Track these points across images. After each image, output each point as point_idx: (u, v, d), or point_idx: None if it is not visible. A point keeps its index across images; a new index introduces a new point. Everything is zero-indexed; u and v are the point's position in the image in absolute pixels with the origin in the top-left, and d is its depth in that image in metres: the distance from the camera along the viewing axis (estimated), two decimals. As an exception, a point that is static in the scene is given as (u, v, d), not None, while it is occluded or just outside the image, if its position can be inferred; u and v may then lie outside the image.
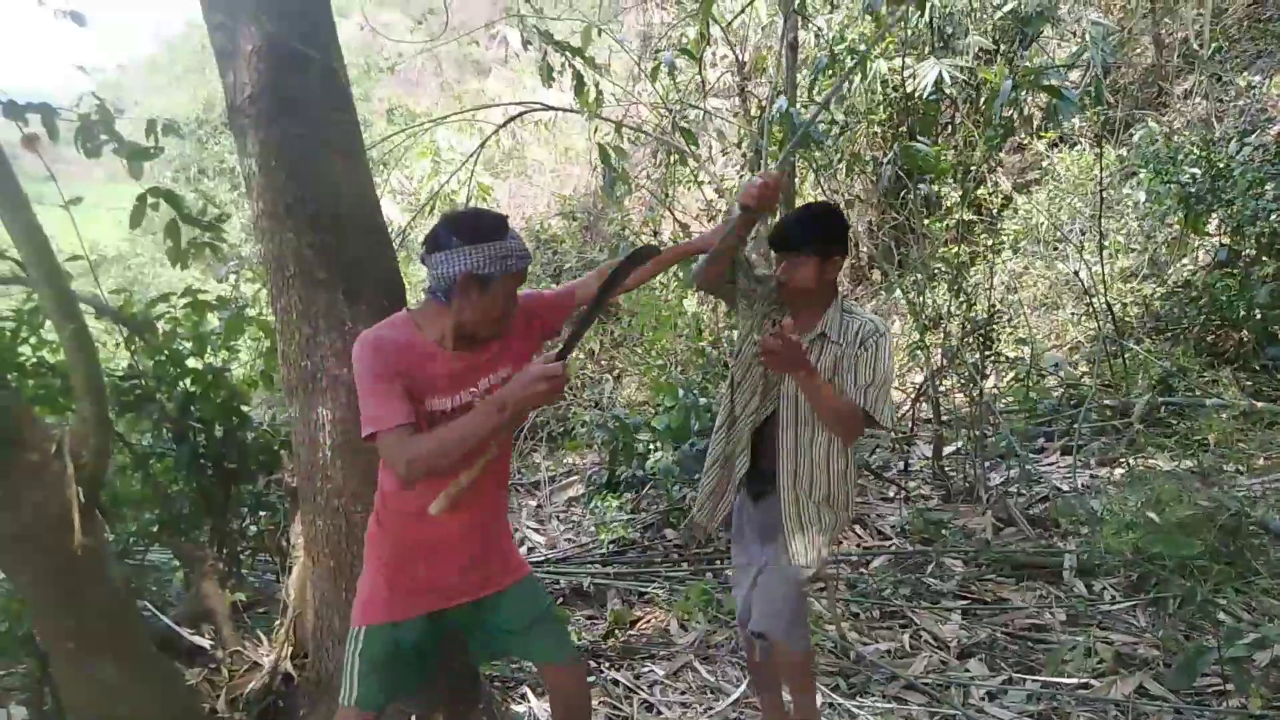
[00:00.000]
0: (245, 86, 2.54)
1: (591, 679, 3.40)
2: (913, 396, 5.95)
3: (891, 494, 5.32)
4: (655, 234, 8.85)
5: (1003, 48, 9.67)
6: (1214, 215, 6.44)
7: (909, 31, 8.47)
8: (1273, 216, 5.84)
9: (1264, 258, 5.96)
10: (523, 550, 5.28)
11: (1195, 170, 6.20)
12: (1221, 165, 6.17)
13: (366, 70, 22.41)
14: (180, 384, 4.04)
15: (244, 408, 4.02)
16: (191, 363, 4.00)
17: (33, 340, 3.66)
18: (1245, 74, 8.97)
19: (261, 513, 4.22)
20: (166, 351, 3.88)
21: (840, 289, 2.54)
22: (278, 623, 2.96)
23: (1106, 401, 5.71)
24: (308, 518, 2.65)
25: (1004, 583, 4.02)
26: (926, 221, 6.79)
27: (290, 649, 2.71)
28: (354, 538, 2.58)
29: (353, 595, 2.60)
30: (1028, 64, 9.12)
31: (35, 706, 2.88)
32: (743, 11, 7.33)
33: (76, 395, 2.38)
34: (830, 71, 6.31)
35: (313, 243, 2.53)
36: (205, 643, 2.79)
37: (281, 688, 2.68)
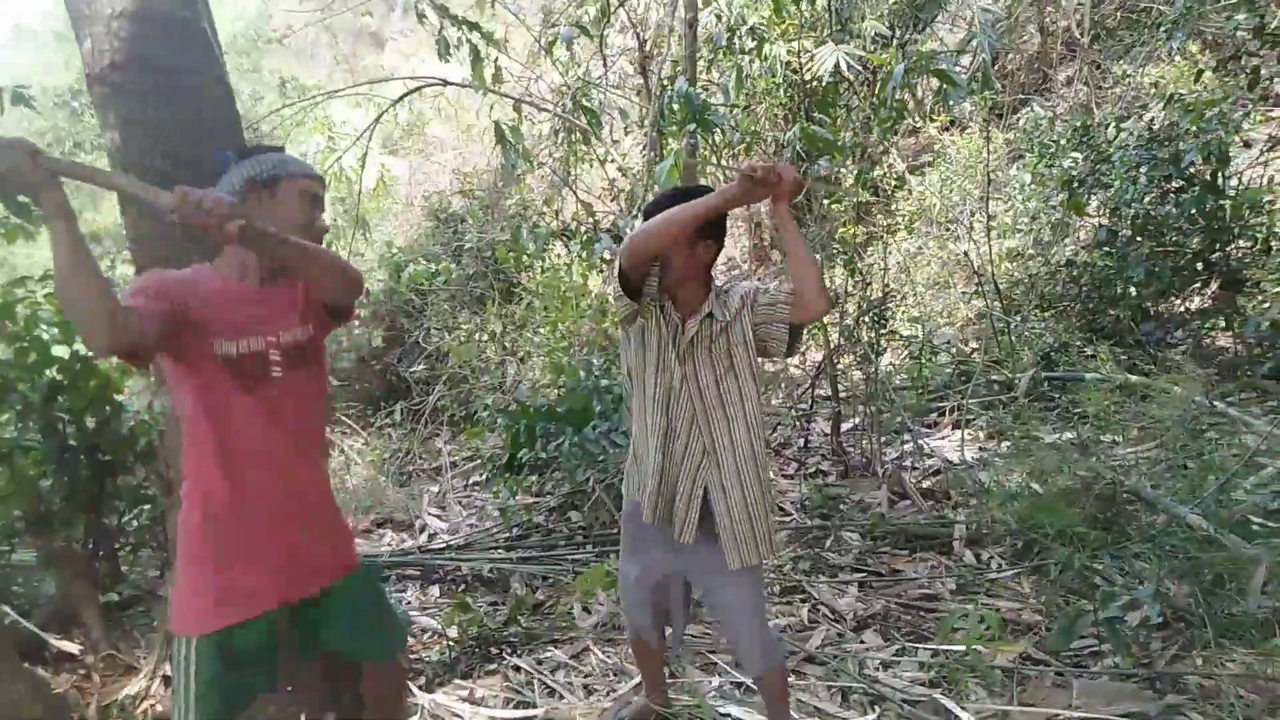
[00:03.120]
0: (104, 54, 2.36)
1: (492, 666, 3.35)
2: (812, 375, 6.06)
3: (792, 471, 5.41)
4: (557, 213, 8.76)
5: (898, 33, 9.92)
6: (1094, 197, 6.75)
7: (808, 15, 8.59)
8: (1147, 199, 6.15)
9: (1139, 238, 6.28)
10: (423, 537, 5.20)
11: (1076, 154, 6.47)
12: (1101, 149, 6.46)
13: (255, 40, 21.42)
14: (45, 373, 3.78)
15: (118, 396, 3.79)
16: (58, 350, 3.74)
17: None
18: (1121, 62, 9.43)
19: (143, 506, 4.01)
20: (27, 339, 3.62)
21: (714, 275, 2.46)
22: (158, 623, 2.80)
23: (994, 377, 5.94)
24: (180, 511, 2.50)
25: (899, 554, 4.14)
26: (826, 202, 6.90)
27: (170, 651, 2.56)
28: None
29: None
30: (920, 49, 9.38)
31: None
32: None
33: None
34: (728, 50, 6.31)
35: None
36: (74, 648, 2.61)
37: (161, 690, 2.53)
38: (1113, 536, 3.62)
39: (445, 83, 6.05)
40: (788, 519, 4.70)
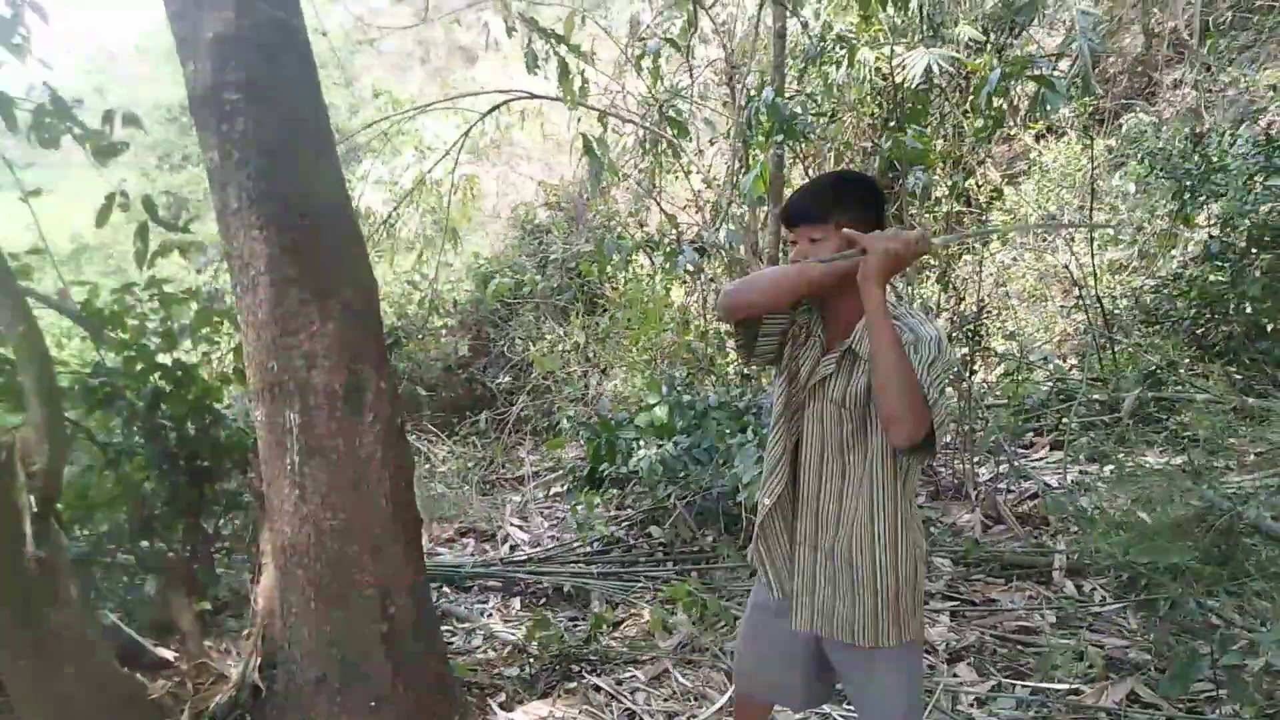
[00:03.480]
0: (207, 75, 2.43)
1: (572, 685, 3.32)
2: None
3: (879, 490, 5.24)
4: (642, 225, 8.76)
5: (992, 37, 9.61)
6: (1205, 208, 6.38)
7: (899, 20, 8.39)
8: (1264, 209, 5.78)
9: (1254, 250, 5.91)
10: (505, 548, 5.22)
11: (1189, 165, 6.14)
12: (1214, 157, 6.10)
13: (354, 51, 22.15)
14: (149, 380, 3.93)
15: (217, 404, 3.91)
16: (161, 358, 3.88)
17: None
18: (1233, 66, 8.92)
19: (236, 512, 4.13)
20: (135, 347, 3.76)
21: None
22: (246, 633, 2.86)
23: (1095, 396, 5.65)
24: (275, 526, 2.55)
25: (993, 583, 3.96)
26: (914, 212, 6.72)
27: (258, 660, 2.62)
28: (323, 548, 2.49)
29: (322, 606, 2.52)
30: (1016, 54, 9.06)
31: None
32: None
33: (28, 400, 2.27)
34: (819, 61, 6.20)
35: (279, 240, 2.42)
36: (170, 654, 2.69)
37: (249, 701, 2.58)
38: (1229, 572, 3.38)
39: (532, 95, 6.11)
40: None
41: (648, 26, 8.37)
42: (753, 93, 6.22)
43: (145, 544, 3.84)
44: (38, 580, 2.22)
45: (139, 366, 3.84)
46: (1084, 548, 3.86)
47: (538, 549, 5.09)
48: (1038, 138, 8.96)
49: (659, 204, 7.59)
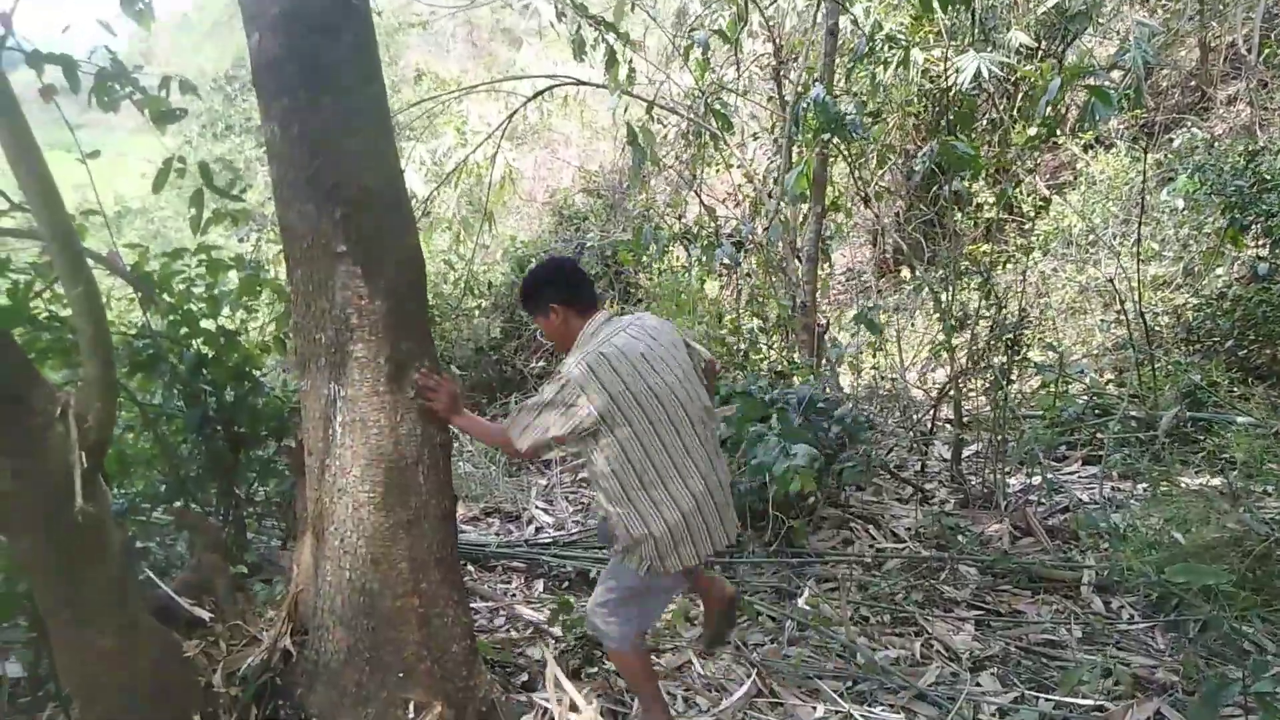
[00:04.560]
0: (270, 50, 2.45)
1: (593, 670, 3.35)
2: (935, 396, 5.84)
3: (907, 494, 5.23)
4: (680, 216, 8.74)
5: (1044, 44, 9.46)
6: (1254, 227, 6.27)
7: (950, 21, 8.28)
8: (1316, 232, 5.68)
9: (1303, 273, 5.81)
10: (530, 529, 5.26)
11: (1240, 182, 6.03)
12: (1268, 177, 5.99)
13: (397, 29, 22.25)
14: (193, 345, 3.99)
15: (256, 372, 3.97)
16: (205, 324, 3.94)
17: (46, 294, 3.61)
18: (1294, 82, 8.74)
19: (270, 479, 4.19)
20: (180, 311, 3.82)
21: (590, 327, 2.72)
22: (279, 597, 2.91)
23: (1132, 412, 5.58)
24: (314, 495, 2.59)
25: (1020, 594, 3.94)
26: (958, 218, 6.65)
27: (290, 626, 2.66)
28: (360, 519, 2.52)
29: (356, 577, 2.56)
30: (1068, 62, 8.92)
31: (31, 665, 2.85)
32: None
33: (83, 358, 2.31)
34: (868, 60, 6.15)
35: (333, 215, 2.45)
36: (205, 614, 2.74)
37: (280, 665, 2.63)
38: (1264, 598, 3.34)
39: (580, 83, 6.11)
40: (901, 545, 4.54)
41: (696, 17, 8.34)
42: (800, 89, 6.18)
43: (179, 506, 3.91)
44: (85, 532, 2.26)
45: (183, 330, 3.91)
46: (1114, 564, 3.83)
47: (561, 532, 5.11)
48: (1086, 148, 8.83)
49: (699, 196, 7.56)
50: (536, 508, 5.53)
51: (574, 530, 5.08)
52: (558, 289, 2.75)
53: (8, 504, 2.18)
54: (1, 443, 2.10)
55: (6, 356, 2.17)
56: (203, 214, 3.45)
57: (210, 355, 3.90)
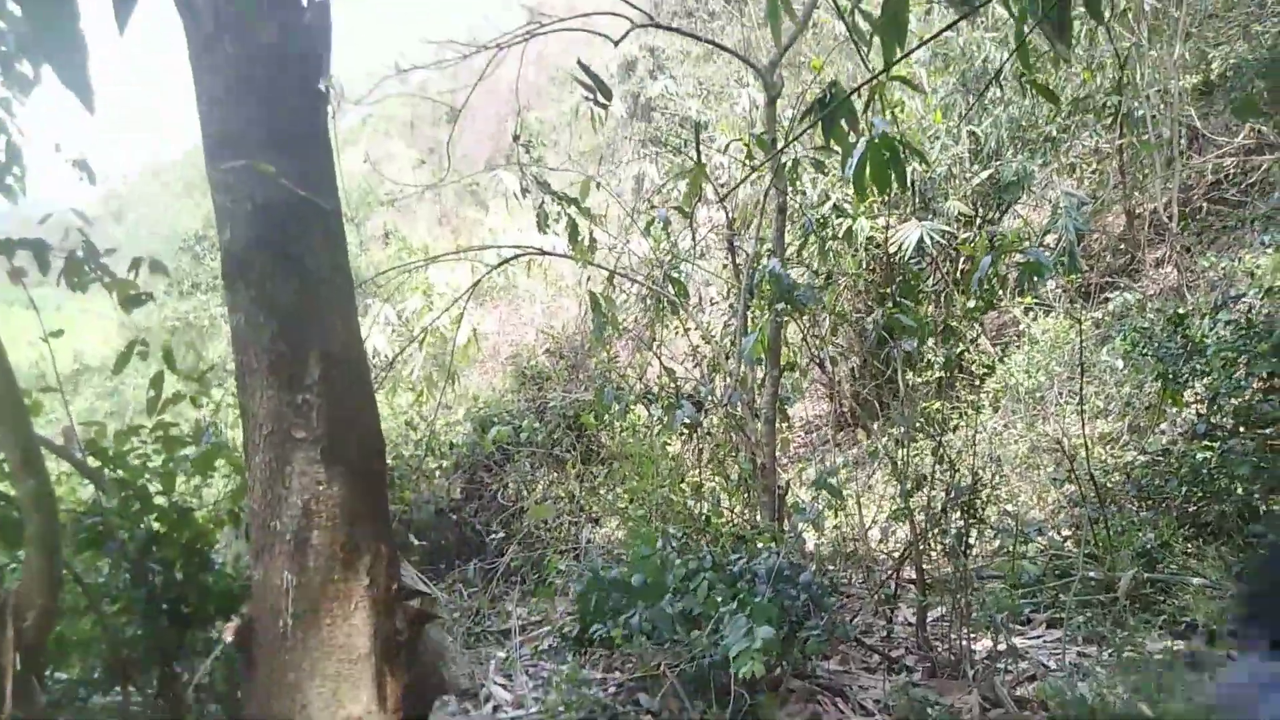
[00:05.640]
0: (240, 243, 2.56)
1: None
2: (897, 558, 5.84)
3: (874, 662, 5.13)
4: (641, 377, 8.91)
5: (981, 212, 10.09)
6: (1192, 384, 6.54)
7: (890, 194, 8.83)
8: (1248, 393, 5.93)
9: (1242, 429, 6.01)
10: (488, 707, 5.04)
11: (1170, 344, 6.33)
12: (1196, 340, 6.30)
13: (364, 199, 23.03)
14: (144, 522, 3.91)
15: (208, 548, 3.88)
16: (158, 500, 3.88)
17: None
18: (1211, 249, 9.34)
19: (214, 660, 4.01)
20: (133, 488, 3.77)
21: None
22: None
23: (1091, 573, 5.61)
24: (261, 693, 2.50)
25: (992, 772, 3.83)
26: (910, 377, 6.87)
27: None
28: (308, 718, 2.43)
29: (301, 779, 2.44)
30: (1001, 230, 9.49)
31: None
32: (737, 185, 7.65)
33: (28, 552, 2.27)
34: (819, 233, 6.50)
35: (292, 401, 2.50)
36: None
37: None
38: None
39: (544, 253, 6.35)
40: None
41: (653, 188, 8.80)
42: (753, 259, 6.48)
43: (116, 691, 3.73)
44: (12, 742, 2.16)
45: (135, 507, 3.84)
46: (1085, 739, 3.75)
47: (520, 711, 4.91)
48: (1026, 310, 9.26)
49: (658, 357, 7.75)
50: (495, 684, 5.33)
51: (534, 710, 4.88)
52: None
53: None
54: (-66, 648, 2.03)
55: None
56: (161, 394, 3.47)
57: (162, 531, 3.83)
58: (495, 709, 4.99)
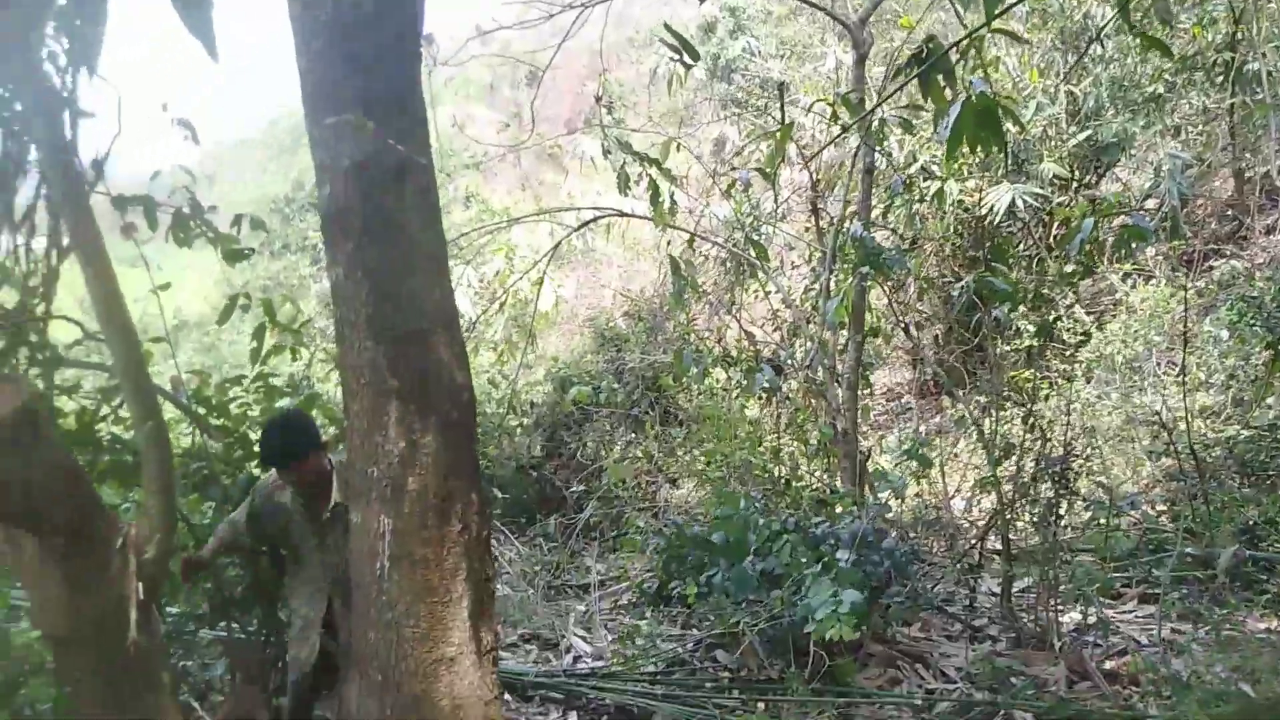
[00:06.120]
0: (339, 199, 2.61)
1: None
2: (982, 527, 5.73)
3: (956, 631, 5.07)
4: (719, 340, 8.87)
5: (1077, 175, 9.65)
6: (1303, 358, 6.21)
7: (983, 156, 8.52)
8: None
9: (1356, 406, 5.69)
10: (568, 658, 5.16)
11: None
12: (1311, 309, 5.97)
13: (444, 162, 23.33)
14: (245, 467, 4.10)
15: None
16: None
17: (110, 417, 3.75)
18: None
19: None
20: (235, 435, 3.95)
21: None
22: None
23: (1188, 549, 5.41)
24: (359, 630, 2.61)
25: (1078, 745, 3.75)
26: (998, 345, 6.67)
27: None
28: (403, 654, 2.53)
29: (398, 713, 2.54)
30: (1101, 193, 9.07)
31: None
32: (825, 146, 7.49)
33: (146, 490, 2.40)
34: (905, 196, 6.33)
35: (389, 354, 2.56)
36: (242, 746, 2.73)
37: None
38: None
39: (624, 214, 6.34)
40: (951, 686, 4.38)
41: (734, 149, 8.69)
42: (836, 221, 6.36)
43: (220, 627, 3.94)
44: (136, 663, 2.29)
45: (237, 454, 4.02)
46: (1180, 716, 3.64)
47: (600, 662, 5.01)
48: (1124, 276, 8.87)
49: (738, 320, 7.70)
50: (575, 635, 5.44)
51: (613, 661, 4.98)
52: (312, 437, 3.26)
53: (69, 635, 2.23)
54: (67, 575, 2.17)
55: (78, 489, 2.25)
56: (263, 346, 3.60)
57: (261, 477, 3.99)
58: (576, 659, 5.10)
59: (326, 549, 3.26)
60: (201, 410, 3.87)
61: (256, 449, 3.99)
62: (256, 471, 4.03)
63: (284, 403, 4.30)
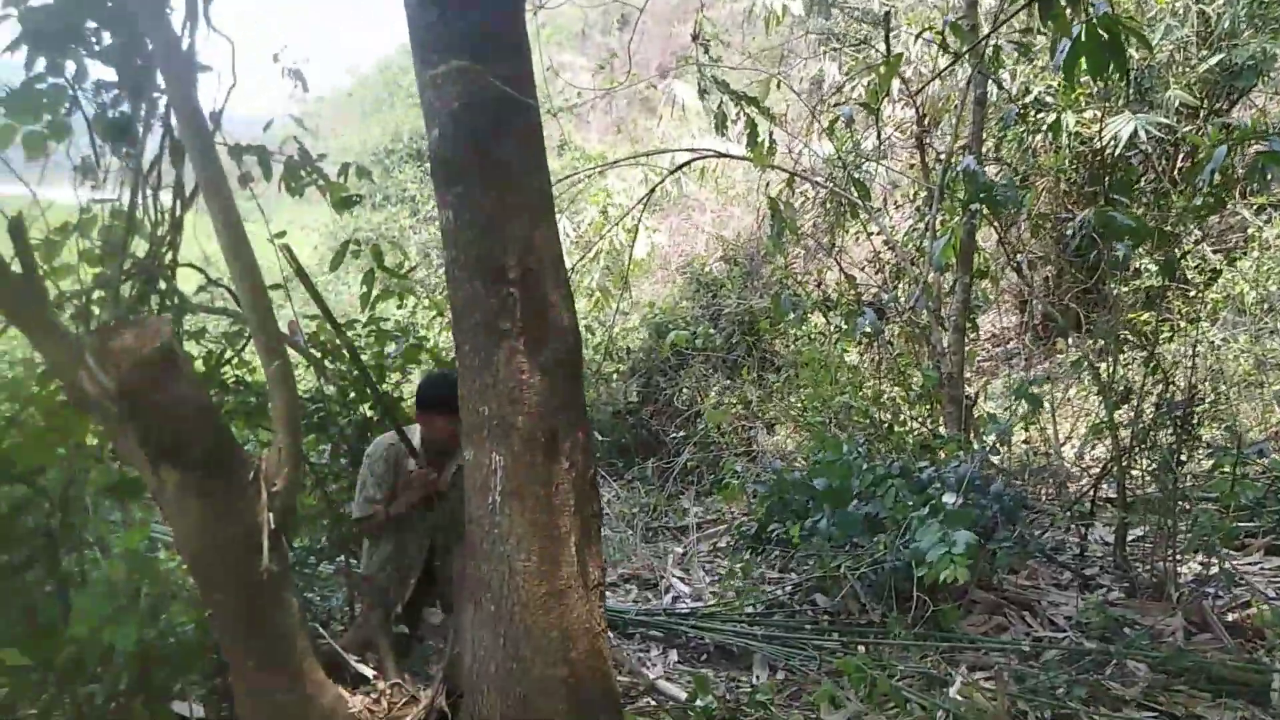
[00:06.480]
0: (448, 142, 2.64)
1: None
2: (1096, 474, 5.52)
3: (1066, 580, 4.93)
4: (818, 283, 8.72)
5: (1207, 103, 8.98)
6: None
7: (1104, 83, 8.01)
8: None
9: None
10: (667, 598, 5.26)
11: None
12: None
13: (542, 106, 23.31)
14: (359, 409, 4.27)
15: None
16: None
17: (234, 361, 3.95)
18: None
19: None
20: (353, 376, 4.10)
21: None
22: (438, 660, 3.02)
23: (1321, 500, 5.11)
24: (473, 562, 2.70)
25: (1198, 696, 3.61)
26: (1115, 286, 6.34)
27: (447, 688, 2.76)
28: (515, 587, 2.61)
29: (509, 644, 2.64)
30: (1232, 122, 8.42)
31: (215, 710, 3.06)
32: (934, 76, 7.15)
33: (275, 427, 2.52)
34: (1018, 127, 6.02)
35: (498, 294, 2.60)
36: (369, 672, 2.88)
37: (436, 726, 2.73)
38: None
39: (722, 155, 6.24)
40: (1060, 635, 4.28)
41: (833, 87, 8.40)
42: (945, 156, 6.11)
43: (342, 560, 4.15)
44: (268, 587, 2.44)
45: (351, 396, 4.18)
46: (1310, 670, 3.48)
47: (699, 603, 5.09)
48: (1258, 210, 8.26)
49: (838, 263, 7.53)
50: (674, 576, 5.53)
51: (712, 601, 5.05)
52: None
53: (207, 561, 2.38)
54: (205, 506, 2.31)
55: (214, 425, 2.39)
56: (372, 291, 3.71)
57: (374, 419, 4.16)
58: (675, 599, 5.19)
59: (438, 509, 3.47)
60: (318, 354, 4.03)
61: (369, 391, 4.16)
62: (370, 413, 4.20)
63: (390, 348, 4.46)
